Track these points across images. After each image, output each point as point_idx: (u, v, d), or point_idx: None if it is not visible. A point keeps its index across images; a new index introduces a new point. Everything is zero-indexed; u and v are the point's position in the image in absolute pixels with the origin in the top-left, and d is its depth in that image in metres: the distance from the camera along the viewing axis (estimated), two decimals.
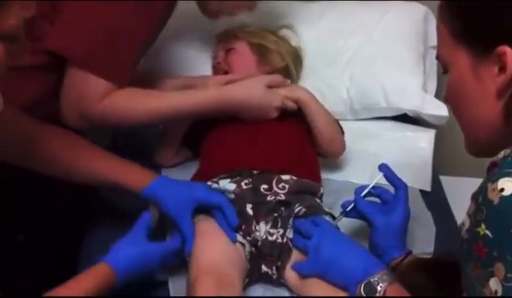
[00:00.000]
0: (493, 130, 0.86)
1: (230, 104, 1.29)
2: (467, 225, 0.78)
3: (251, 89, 1.31)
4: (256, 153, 1.26)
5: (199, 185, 1.19)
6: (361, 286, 1.00)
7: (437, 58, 0.94)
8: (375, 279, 1.00)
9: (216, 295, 0.99)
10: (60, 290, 0.95)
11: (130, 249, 1.05)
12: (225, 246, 1.10)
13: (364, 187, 1.20)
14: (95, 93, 1.16)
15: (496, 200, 0.73)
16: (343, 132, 1.40)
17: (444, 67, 0.93)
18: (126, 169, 1.15)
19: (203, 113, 1.29)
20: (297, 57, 1.54)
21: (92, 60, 1.15)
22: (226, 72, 1.44)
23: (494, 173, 0.76)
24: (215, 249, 1.08)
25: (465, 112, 0.91)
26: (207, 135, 1.36)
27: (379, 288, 0.98)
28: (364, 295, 0.99)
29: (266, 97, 1.31)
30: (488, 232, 0.73)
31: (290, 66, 1.49)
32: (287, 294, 1.13)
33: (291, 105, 1.33)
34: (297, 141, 1.33)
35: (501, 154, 0.80)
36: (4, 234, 1.24)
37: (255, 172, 1.22)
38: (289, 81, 1.39)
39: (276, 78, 1.36)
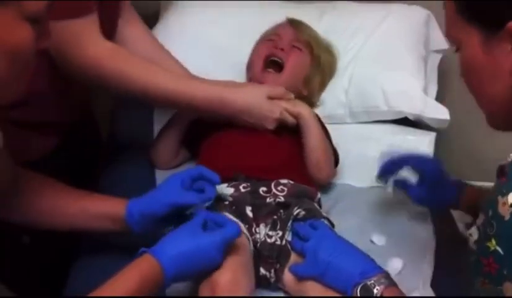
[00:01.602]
0: (509, 107, 0.83)
1: (228, 106, 1.27)
2: (476, 236, 0.76)
3: (252, 96, 1.29)
4: (254, 162, 1.25)
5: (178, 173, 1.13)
6: (357, 289, 0.99)
7: (447, 36, 0.91)
8: (372, 281, 0.99)
9: (233, 275, 0.98)
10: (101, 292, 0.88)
11: (180, 241, 0.97)
12: None
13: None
14: (82, 39, 1.13)
15: (507, 216, 0.71)
16: (337, 162, 1.38)
17: (455, 46, 0.89)
18: (106, 199, 1.11)
19: (198, 109, 1.26)
20: (324, 89, 1.54)
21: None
22: (277, 64, 1.40)
23: (504, 183, 0.73)
24: None
25: (479, 89, 0.88)
26: (206, 138, 1.35)
27: (375, 291, 0.98)
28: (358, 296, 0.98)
29: (265, 107, 1.29)
30: (498, 248, 0.71)
31: (315, 98, 1.50)
32: None
33: (290, 119, 1.31)
34: (294, 152, 1.32)
35: (510, 157, 0.78)
36: (10, 236, 1.23)
37: (252, 179, 1.21)
38: (292, 95, 1.36)
39: (279, 90, 1.33)
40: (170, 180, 1.10)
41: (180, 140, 1.40)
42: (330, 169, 1.35)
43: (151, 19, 1.63)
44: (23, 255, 1.29)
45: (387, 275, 1.01)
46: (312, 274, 1.05)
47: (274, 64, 1.40)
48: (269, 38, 1.46)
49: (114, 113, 1.64)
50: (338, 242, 1.08)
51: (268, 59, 1.41)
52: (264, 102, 1.29)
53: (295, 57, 1.42)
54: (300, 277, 1.07)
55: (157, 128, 1.47)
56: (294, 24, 1.49)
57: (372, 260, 1.06)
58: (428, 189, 1.21)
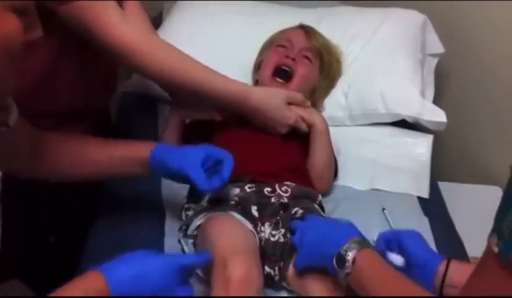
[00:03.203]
0: None
1: (248, 102, 1.29)
2: None
3: (272, 97, 1.32)
4: (258, 167, 1.26)
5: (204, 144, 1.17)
6: (333, 261, 0.97)
7: None
8: (343, 249, 0.96)
9: (247, 271, 0.98)
10: None
11: (134, 262, 0.93)
12: (243, 233, 1.10)
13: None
14: (114, 19, 1.15)
15: None
16: (336, 175, 1.40)
17: None
18: (131, 144, 1.17)
19: (219, 100, 1.28)
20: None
21: None
22: (286, 72, 1.40)
23: None
24: (236, 235, 1.07)
25: None
26: (208, 139, 1.34)
27: (347, 257, 0.95)
28: (337, 269, 0.96)
29: (281, 112, 1.32)
30: None
31: (319, 105, 1.51)
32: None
33: (304, 127, 1.33)
34: (299, 156, 1.34)
35: None
36: (37, 236, 1.26)
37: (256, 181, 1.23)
38: (309, 103, 1.39)
39: (298, 97, 1.36)
40: (196, 152, 1.12)
41: (179, 141, 1.40)
42: (329, 183, 1.38)
43: (154, 21, 1.65)
44: (48, 254, 1.32)
45: (358, 240, 0.97)
46: (305, 264, 1.06)
47: (282, 73, 1.41)
48: (281, 43, 1.46)
49: (119, 114, 1.66)
50: (319, 225, 1.06)
51: (277, 67, 1.42)
52: (282, 106, 1.32)
53: (305, 68, 1.43)
54: (298, 270, 1.07)
55: (161, 127, 1.48)
56: (306, 31, 1.50)
57: (348, 227, 1.03)
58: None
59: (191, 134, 1.39)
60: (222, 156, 1.13)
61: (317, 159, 1.34)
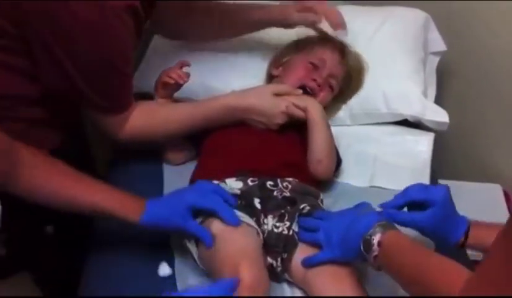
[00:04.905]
0: None
1: (237, 111, 1.33)
2: None
3: (257, 96, 1.34)
4: (259, 165, 1.27)
5: (188, 191, 1.16)
6: (361, 247, 1.00)
7: None
8: (368, 234, 0.99)
9: (256, 273, 1.02)
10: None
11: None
12: (250, 234, 1.12)
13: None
14: (112, 128, 1.26)
15: None
16: (339, 163, 1.40)
17: None
18: (119, 200, 1.11)
19: (213, 121, 1.34)
20: None
21: (94, 104, 1.21)
22: (307, 92, 1.40)
23: None
24: (243, 238, 1.09)
25: None
26: (209, 136, 1.37)
27: (373, 241, 0.98)
28: (365, 254, 0.99)
29: (271, 103, 1.33)
30: None
31: None
32: (287, 290, 1.15)
33: (299, 113, 1.33)
34: (299, 153, 1.34)
35: None
36: (34, 226, 1.28)
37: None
38: (300, 91, 1.39)
39: (284, 87, 1.37)
40: (180, 201, 1.13)
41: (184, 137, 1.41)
42: (331, 167, 1.36)
43: None
44: (47, 244, 1.34)
45: (382, 223, 1.00)
46: (332, 259, 1.08)
47: (305, 92, 1.40)
48: (313, 62, 1.43)
49: None
50: (342, 220, 1.09)
51: (302, 86, 1.40)
52: (268, 99, 1.34)
53: (325, 93, 1.44)
54: (317, 265, 1.10)
55: None
56: (342, 57, 1.47)
57: (370, 214, 1.04)
58: (436, 216, 1.08)
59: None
60: (207, 207, 1.13)
61: (315, 143, 1.32)
